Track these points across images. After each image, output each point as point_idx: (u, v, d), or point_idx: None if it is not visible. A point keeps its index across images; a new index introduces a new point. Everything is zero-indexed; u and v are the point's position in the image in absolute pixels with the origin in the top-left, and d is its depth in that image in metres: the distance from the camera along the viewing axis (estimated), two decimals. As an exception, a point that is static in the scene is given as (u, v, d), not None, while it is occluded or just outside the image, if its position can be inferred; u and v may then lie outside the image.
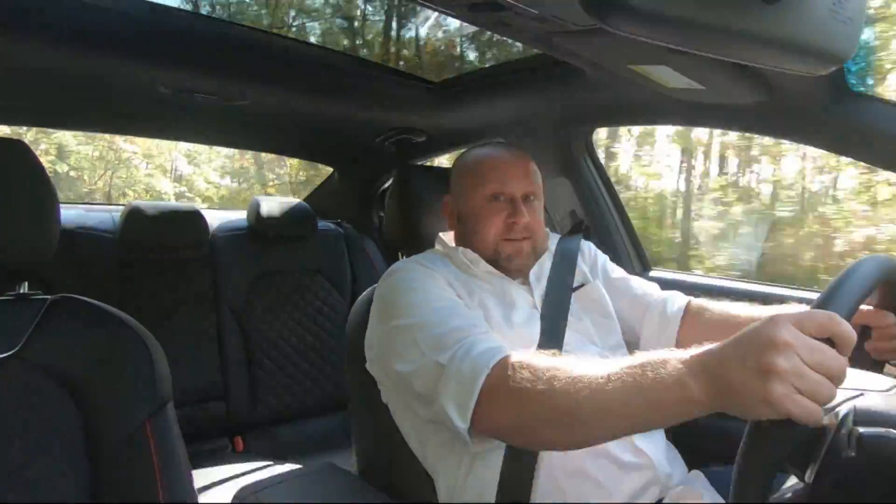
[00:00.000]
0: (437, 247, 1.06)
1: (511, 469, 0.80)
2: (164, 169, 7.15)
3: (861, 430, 0.52)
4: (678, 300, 1.05)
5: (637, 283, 1.10)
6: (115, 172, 6.80)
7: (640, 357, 0.61)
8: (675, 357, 0.58)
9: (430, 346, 0.78)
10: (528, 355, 0.71)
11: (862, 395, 0.59)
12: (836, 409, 0.56)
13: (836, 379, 0.49)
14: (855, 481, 0.53)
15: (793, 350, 0.48)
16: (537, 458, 0.79)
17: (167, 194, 6.75)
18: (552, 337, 0.90)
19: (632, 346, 1.03)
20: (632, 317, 1.05)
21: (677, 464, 0.91)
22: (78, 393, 0.63)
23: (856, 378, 0.63)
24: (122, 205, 1.73)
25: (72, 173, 6.46)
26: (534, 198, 1.00)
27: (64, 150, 6.28)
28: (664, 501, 0.83)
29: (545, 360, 0.69)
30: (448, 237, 1.07)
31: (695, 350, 0.57)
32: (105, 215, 1.71)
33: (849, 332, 0.50)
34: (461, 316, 0.82)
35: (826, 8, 0.60)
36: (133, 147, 6.56)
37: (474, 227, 0.98)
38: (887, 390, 0.60)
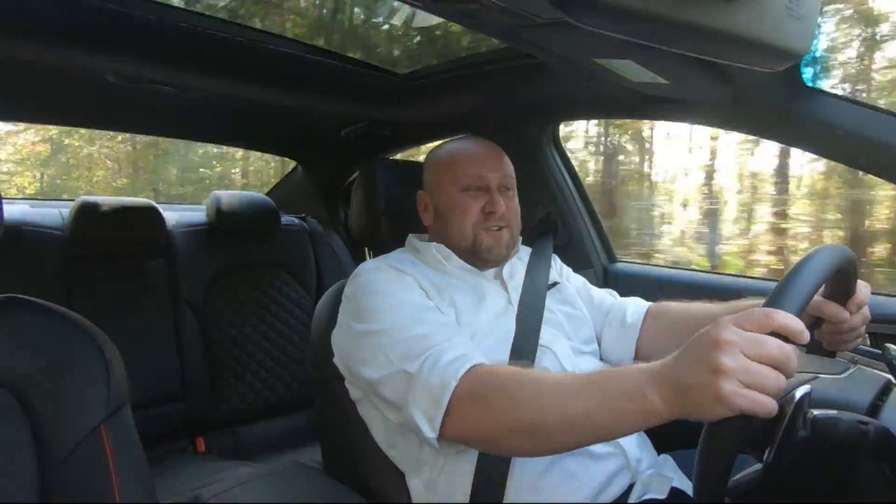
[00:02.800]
0: (408, 245, 1.05)
1: (486, 465, 0.80)
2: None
3: (814, 412, 0.54)
4: (638, 307, 1.08)
5: (597, 292, 1.14)
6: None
7: (602, 370, 0.65)
8: (635, 369, 0.60)
9: (398, 354, 0.78)
10: (495, 366, 0.73)
11: (816, 378, 0.61)
12: (792, 393, 0.58)
13: (783, 366, 0.50)
14: (809, 461, 0.55)
15: (736, 347, 0.51)
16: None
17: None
18: (528, 331, 0.91)
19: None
20: (594, 325, 1.08)
21: (647, 449, 0.93)
22: (25, 398, 0.60)
23: (812, 362, 0.66)
24: (70, 200, 1.65)
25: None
26: (509, 188, 1.01)
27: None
28: (635, 488, 0.85)
29: (511, 371, 0.70)
30: (419, 237, 1.06)
31: (653, 363, 0.59)
32: (53, 211, 1.62)
33: (789, 322, 0.51)
34: (429, 322, 0.82)
35: (782, 5, 0.62)
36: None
37: (451, 219, 0.98)
38: (840, 373, 0.63)
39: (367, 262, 0.96)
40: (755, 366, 0.50)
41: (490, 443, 0.72)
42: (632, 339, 1.05)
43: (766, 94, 0.97)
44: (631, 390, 0.58)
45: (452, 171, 0.99)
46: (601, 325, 1.08)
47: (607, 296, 1.13)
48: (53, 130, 5.86)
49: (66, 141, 5.91)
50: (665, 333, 1.03)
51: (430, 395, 0.73)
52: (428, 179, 1.05)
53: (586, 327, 1.03)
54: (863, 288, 0.78)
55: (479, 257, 0.98)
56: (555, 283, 1.05)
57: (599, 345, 1.08)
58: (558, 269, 1.14)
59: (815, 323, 0.82)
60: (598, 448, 0.84)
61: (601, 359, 1.07)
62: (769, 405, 0.49)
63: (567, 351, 0.94)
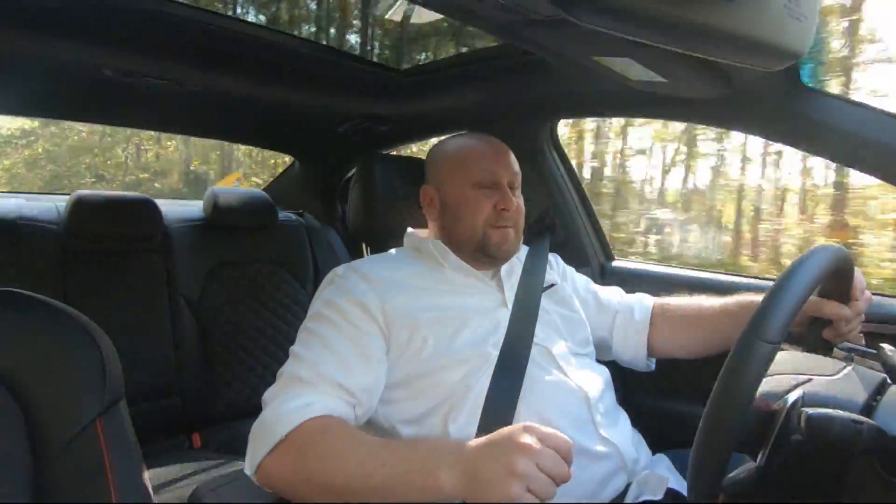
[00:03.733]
0: (406, 242, 1.05)
1: None
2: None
3: (808, 411, 0.54)
4: (643, 305, 1.09)
5: (604, 292, 1.13)
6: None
7: (413, 444, 0.71)
8: (444, 446, 0.68)
9: (278, 377, 0.83)
10: (329, 424, 0.74)
11: (810, 380, 0.61)
12: (786, 395, 0.58)
13: (559, 480, 0.61)
14: (803, 460, 0.56)
15: (534, 455, 0.60)
16: None
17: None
18: (521, 329, 0.91)
19: (604, 352, 1.08)
20: (602, 327, 1.09)
21: (643, 449, 0.94)
22: (20, 392, 0.60)
23: (805, 363, 0.66)
24: (67, 194, 1.64)
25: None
26: (516, 187, 1.01)
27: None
28: (630, 488, 0.85)
29: (336, 431, 0.73)
30: (418, 231, 1.06)
31: (460, 443, 0.66)
32: (49, 205, 1.61)
33: (567, 445, 0.62)
34: (317, 364, 0.81)
35: (781, 5, 0.62)
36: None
37: (461, 215, 0.97)
38: (833, 375, 0.63)
39: (340, 269, 0.94)
40: (542, 476, 0.59)
41: (297, 495, 0.74)
42: (642, 338, 1.06)
43: (765, 94, 0.97)
44: (428, 467, 0.64)
45: (464, 166, 0.98)
46: (610, 325, 1.09)
47: (614, 295, 1.13)
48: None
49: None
50: (672, 330, 1.06)
51: (263, 433, 0.76)
52: (434, 174, 1.03)
53: (583, 330, 1.03)
54: (858, 274, 0.80)
55: (487, 254, 0.97)
56: (552, 285, 1.04)
57: (611, 345, 1.09)
58: (561, 271, 1.13)
59: (812, 322, 0.82)
60: (594, 448, 0.84)
61: (613, 359, 1.09)
62: None
63: (563, 350, 0.94)
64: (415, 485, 0.64)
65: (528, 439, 0.61)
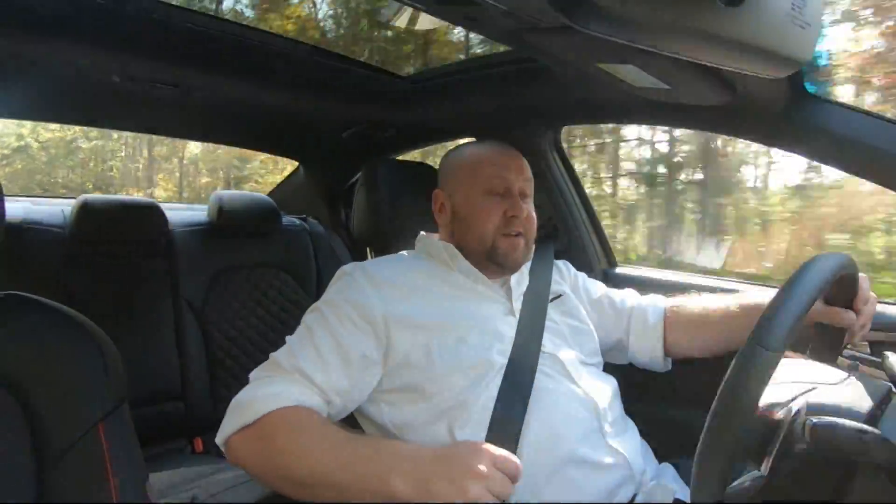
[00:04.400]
0: (417, 245, 1.05)
1: None
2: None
3: (812, 419, 0.54)
4: (657, 307, 1.09)
5: (618, 295, 1.13)
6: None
7: (375, 445, 0.75)
8: (398, 455, 0.71)
9: (269, 358, 0.85)
10: (298, 417, 0.76)
11: (814, 388, 0.61)
12: (790, 405, 0.58)
13: (501, 498, 0.66)
14: (808, 469, 0.55)
15: (484, 479, 0.65)
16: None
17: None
18: (529, 337, 0.90)
19: (620, 355, 1.09)
20: (618, 328, 1.09)
21: (650, 460, 0.93)
22: (24, 395, 0.60)
23: (809, 373, 0.66)
24: (73, 198, 1.65)
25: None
26: (528, 195, 1.00)
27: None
28: (637, 499, 0.84)
29: (300, 428, 0.75)
30: (430, 235, 1.06)
31: (418, 452, 0.72)
32: (55, 209, 1.62)
33: (516, 468, 0.68)
34: (298, 357, 0.83)
35: (785, 12, 0.62)
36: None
37: (471, 223, 0.97)
38: (837, 383, 0.63)
39: (349, 266, 0.95)
40: (489, 496, 0.64)
41: (259, 477, 0.77)
42: (657, 341, 1.06)
43: (769, 101, 0.97)
44: (383, 473, 0.68)
45: (475, 172, 0.98)
46: (626, 327, 1.09)
47: (629, 297, 1.13)
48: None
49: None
50: (685, 330, 1.06)
51: (236, 410, 0.78)
52: (446, 179, 1.03)
53: (591, 341, 1.02)
54: (863, 281, 0.79)
55: (495, 262, 0.96)
56: (559, 296, 1.04)
57: (627, 347, 1.09)
58: (572, 278, 1.13)
59: (817, 328, 0.82)
60: (602, 459, 0.83)
61: (630, 361, 1.10)
62: None
63: (572, 359, 0.93)
64: (369, 488, 0.69)
65: (482, 466, 0.65)
